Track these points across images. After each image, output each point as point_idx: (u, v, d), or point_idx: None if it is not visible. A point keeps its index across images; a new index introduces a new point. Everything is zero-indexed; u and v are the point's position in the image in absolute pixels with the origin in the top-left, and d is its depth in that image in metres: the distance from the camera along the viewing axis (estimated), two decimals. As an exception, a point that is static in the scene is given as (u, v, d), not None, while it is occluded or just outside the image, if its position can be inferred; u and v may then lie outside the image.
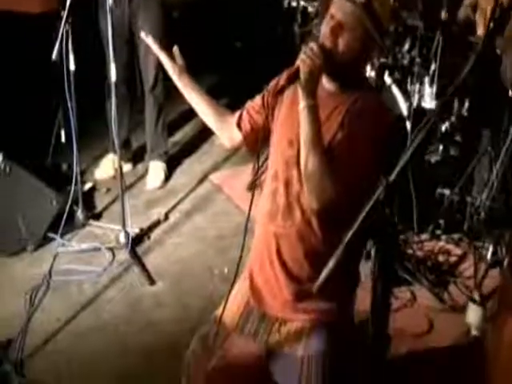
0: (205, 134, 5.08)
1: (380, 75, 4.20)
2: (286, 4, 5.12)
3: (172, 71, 2.66)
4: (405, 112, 4.17)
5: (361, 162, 2.27)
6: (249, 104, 2.67)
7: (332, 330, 2.46)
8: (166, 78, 4.57)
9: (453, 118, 4.21)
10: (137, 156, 5.13)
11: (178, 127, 5.53)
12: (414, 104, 4.14)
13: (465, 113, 4.22)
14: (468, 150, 4.28)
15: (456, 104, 4.19)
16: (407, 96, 4.18)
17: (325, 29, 2.35)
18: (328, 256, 1.94)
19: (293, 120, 2.36)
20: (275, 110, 2.53)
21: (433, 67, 4.14)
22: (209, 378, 2.55)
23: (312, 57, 2.24)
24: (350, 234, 1.82)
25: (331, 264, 1.81)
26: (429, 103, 4.18)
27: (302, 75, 2.24)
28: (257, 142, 2.56)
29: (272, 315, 2.51)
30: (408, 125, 4.11)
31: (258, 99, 2.64)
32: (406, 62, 4.20)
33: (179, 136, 5.49)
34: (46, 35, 4.24)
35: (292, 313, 2.48)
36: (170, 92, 4.35)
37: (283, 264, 2.45)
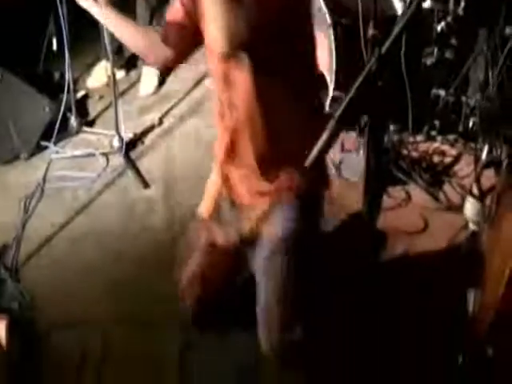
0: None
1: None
2: None
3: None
4: (399, 12, 4.08)
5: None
6: (168, 14, 2.50)
7: (298, 207, 2.51)
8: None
9: (448, 18, 4.11)
10: (130, 63, 5.06)
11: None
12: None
13: (460, 12, 4.12)
14: (464, 51, 4.20)
15: (451, 3, 4.09)
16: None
17: None
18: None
19: None
20: (198, 7, 2.39)
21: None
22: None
23: None
24: (340, 108, 1.74)
25: (323, 138, 1.75)
26: (427, 3, 4.08)
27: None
28: (191, 52, 2.50)
29: (241, 203, 2.57)
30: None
31: (176, 5, 2.47)
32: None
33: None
34: None
35: (259, 197, 2.52)
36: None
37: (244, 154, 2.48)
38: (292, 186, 2.47)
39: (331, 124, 1.73)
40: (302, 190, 2.49)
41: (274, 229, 2.49)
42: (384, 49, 1.77)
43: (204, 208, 2.71)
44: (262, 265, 2.52)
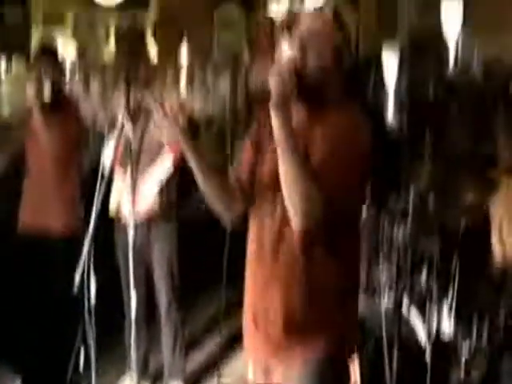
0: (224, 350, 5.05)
1: (399, 304, 4.18)
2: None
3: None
4: (423, 339, 4.12)
5: (345, 177, 2.27)
6: (240, 165, 2.61)
7: (323, 367, 2.42)
8: (181, 306, 4.71)
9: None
10: (155, 376, 5.05)
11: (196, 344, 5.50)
12: (433, 331, 4.10)
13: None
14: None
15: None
16: (426, 322, 4.15)
17: (290, 49, 2.36)
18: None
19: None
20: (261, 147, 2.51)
21: (450, 294, 4.14)
22: None
23: (283, 81, 2.24)
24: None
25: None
26: (447, 329, 4.15)
27: (274, 99, 2.22)
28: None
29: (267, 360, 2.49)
30: (428, 353, 4.04)
31: (245, 155, 2.59)
32: (423, 289, 4.20)
33: (198, 354, 5.44)
34: (67, 258, 4.32)
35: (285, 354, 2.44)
36: (187, 315, 4.39)
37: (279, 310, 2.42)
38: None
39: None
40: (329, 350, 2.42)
41: None
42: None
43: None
44: None
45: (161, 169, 4.52)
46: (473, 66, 5.80)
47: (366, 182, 2.43)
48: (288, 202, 2.22)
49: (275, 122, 2.22)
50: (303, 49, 2.33)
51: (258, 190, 2.47)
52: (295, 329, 2.40)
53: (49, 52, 4.81)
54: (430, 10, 6.39)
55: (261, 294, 2.45)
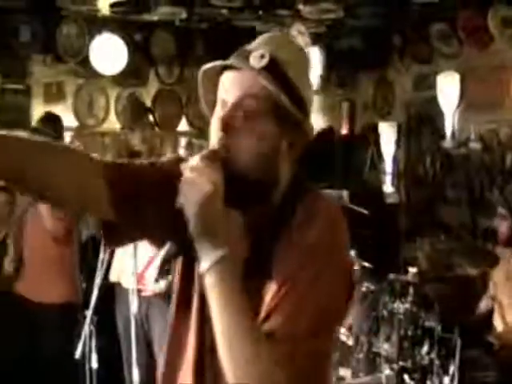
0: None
1: (400, 378, 4.17)
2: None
3: None
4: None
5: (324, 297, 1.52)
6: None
7: None
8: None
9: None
10: None
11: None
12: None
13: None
14: None
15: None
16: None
17: (214, 128, 1.59)
18: None
19: None
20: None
21: (452, 368, 4.13)
22: None
23: (201, 183, 1.48)
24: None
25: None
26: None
27: (193, 219, 1.48)
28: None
29: None
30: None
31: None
32: (425, 363, 4.19)
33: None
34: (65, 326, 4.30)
35: None
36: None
37: None
38: None
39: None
40: None
41: None
42: None
43: None
44: None
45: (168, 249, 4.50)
46: (470, 139, 5.88)
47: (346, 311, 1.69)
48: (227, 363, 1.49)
49: (216, 282, 1.50)
50: (230, 122, 1.57)
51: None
52: None
53: (52, 119, 4.88)
54: (426, 84, 6.51)
55: None
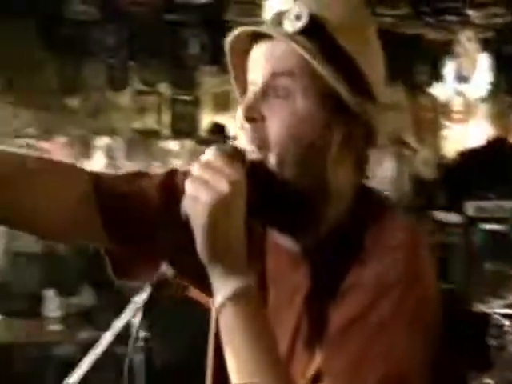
0: None
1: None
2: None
3: None
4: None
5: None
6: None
7: None
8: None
9: None
10: None
11: None
12: None
13: None
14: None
15: None
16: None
17: (238, 118, 1.15)
18: None
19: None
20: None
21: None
22: None
23: (216, 181, 1.04)
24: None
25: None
26: None
27: (201, 233, 1.04)
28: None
29: None
30: None
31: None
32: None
33: None
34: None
35: None
36: None
37: None
38: None
39: None
40: None
41: None
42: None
43: None
44: None
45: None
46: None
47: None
48: None
49: (236, 321, 1.04)
50: (255, 108, 1.13)
51: None
52: None
53: (219, 129, 5.02)
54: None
55: None
